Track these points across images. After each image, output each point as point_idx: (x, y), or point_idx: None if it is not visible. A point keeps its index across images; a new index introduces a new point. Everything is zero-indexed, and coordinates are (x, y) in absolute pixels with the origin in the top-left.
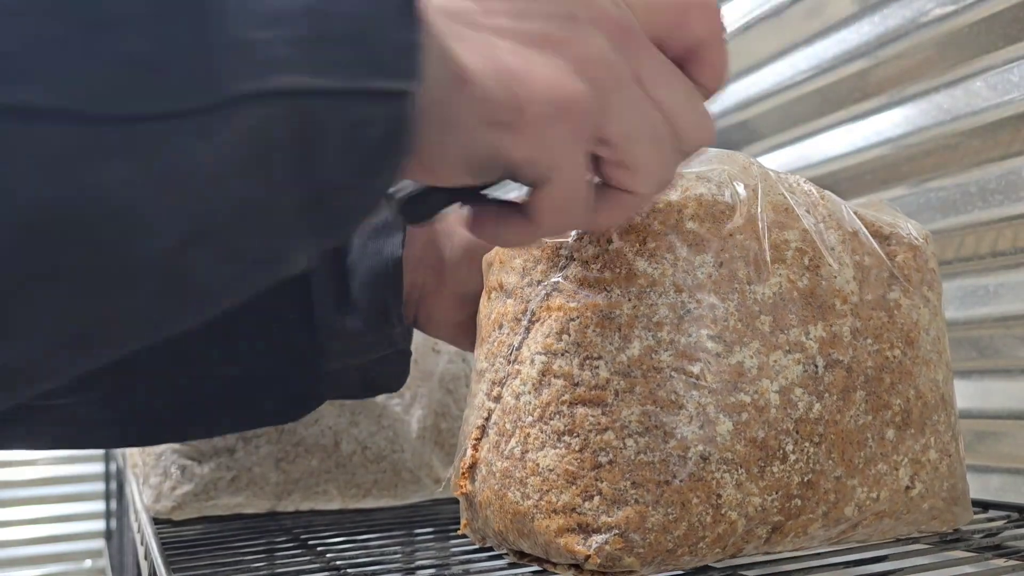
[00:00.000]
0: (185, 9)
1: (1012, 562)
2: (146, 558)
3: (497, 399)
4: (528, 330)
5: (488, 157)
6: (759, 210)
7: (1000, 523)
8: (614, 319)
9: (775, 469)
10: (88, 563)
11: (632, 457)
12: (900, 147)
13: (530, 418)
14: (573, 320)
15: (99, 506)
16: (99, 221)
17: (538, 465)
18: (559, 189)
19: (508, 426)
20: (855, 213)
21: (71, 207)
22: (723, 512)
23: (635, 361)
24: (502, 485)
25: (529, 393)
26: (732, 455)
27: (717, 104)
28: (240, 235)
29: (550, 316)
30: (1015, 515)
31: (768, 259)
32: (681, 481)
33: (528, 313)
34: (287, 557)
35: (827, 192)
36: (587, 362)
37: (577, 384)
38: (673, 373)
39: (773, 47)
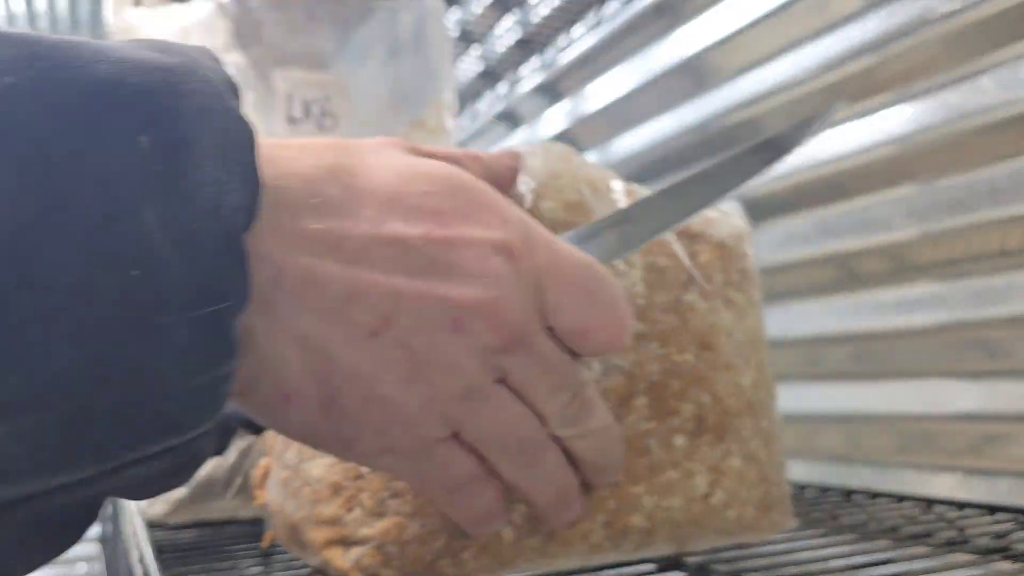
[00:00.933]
0: None
1: (1019, 564)
2: (140, 562)
3: None
4: None
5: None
6: (532, 208)
7: (1008, 525)
8: None
9: None
10: (83, 567)
11: None
12: (907, 145)
13: None
14: None
15: None
16: None
17: (310, 475)
18: (422, 487)
19: None
20: None
21: None
22: None
23: None
24: (282, 495)
25: None
26: None
27: (722, 101)
28: None
29: None
30: (1023, 517)
31: None
32: None
33: None
34: (282, 561)
35: (640, 189)
36: None
37: None
38: None
39: (778, 43)
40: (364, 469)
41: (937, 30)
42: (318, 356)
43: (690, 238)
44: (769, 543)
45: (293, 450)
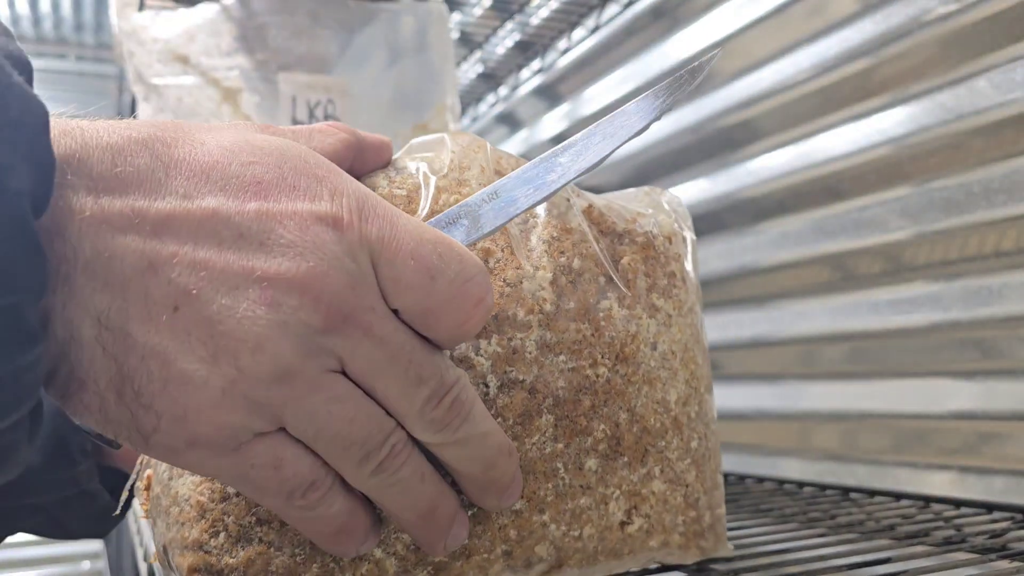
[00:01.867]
0: None
1: (1016, 563)
2: (145, 559)
3: None
4: None
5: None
6: (431, 204)
7: (1004, 524)
8: None
9: None
10: (86, 564)
11: None
12: (903, 146)
13: None
14: None
15: None
16: None
17: (177, 494)
18: (255, 493)
19: None
20: (589, 206)
21: None
22: None
23: None
24: (155, 513)
25: None
26: None
27: (719, 103)
28: None
29: None
30: (1019, 516)
31: None
32: None
33: None
34: None
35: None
36: None
37: None
38: None
39: (775, 46)
40: (231, 490)
41: (932, 32)
42: (114, 334)
43: (613, 237)
44: (768, 543)
45: (164, 464)
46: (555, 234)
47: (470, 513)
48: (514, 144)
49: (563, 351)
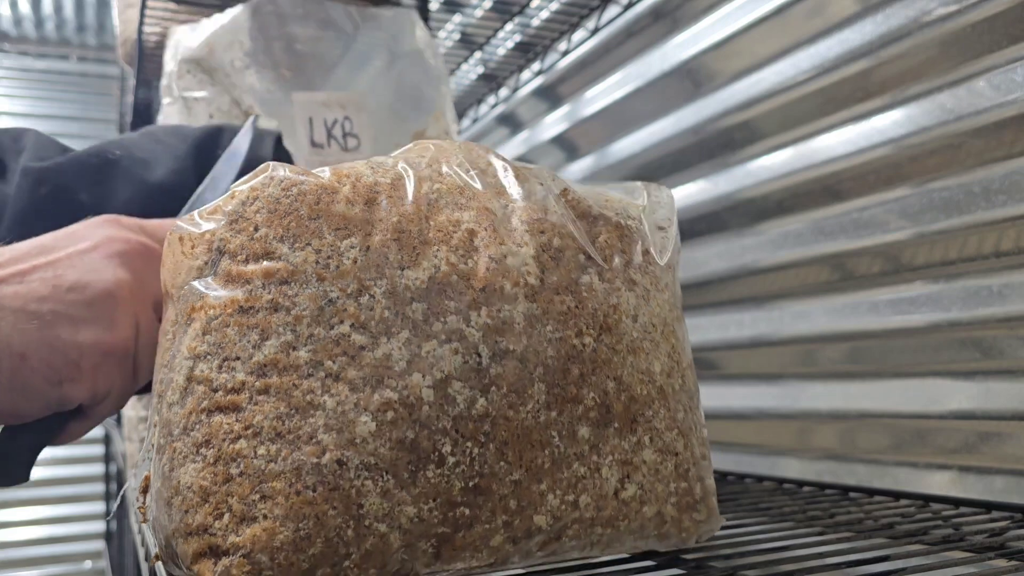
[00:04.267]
0: None
1: (1014, 562)
2: (146, 559)
3: (159, 411)
4: (183, 334)
5: (58, 403)
6: (414, 191)
7: (1003, 523)
8: (252, 314)
9: (430, 474)
10: (88, 564)
11: (263, 467)
12: (903, 147)
13: (177, 430)
14: (215, 319)
15: (99, 507)
16: None
17: (179, 483)
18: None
19: (162, 441)
20: (565, 190)
21: None
22: (368, 524)
23: (271, 360)
24: (158, 506)
25: (177, 403)
26: (375, 459)
27: (720, 105)
28: None
29: (196, 316)
30: (1019, 516)
31: (426, 240)
32: (314, 491)
33: (184, 315)
34: None
35: (538, 171)
36: (225, 363)
37: (216, 389)
38: (311, 370)
39: (775, 47)
40: (234, 471)
41: (932, 34)
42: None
43: (590, 219)
44: (767, 540)
45: (166, 457)
46: (535, 216)
47: (471, 484)
48: (514, 145)
49: (550, 321)
